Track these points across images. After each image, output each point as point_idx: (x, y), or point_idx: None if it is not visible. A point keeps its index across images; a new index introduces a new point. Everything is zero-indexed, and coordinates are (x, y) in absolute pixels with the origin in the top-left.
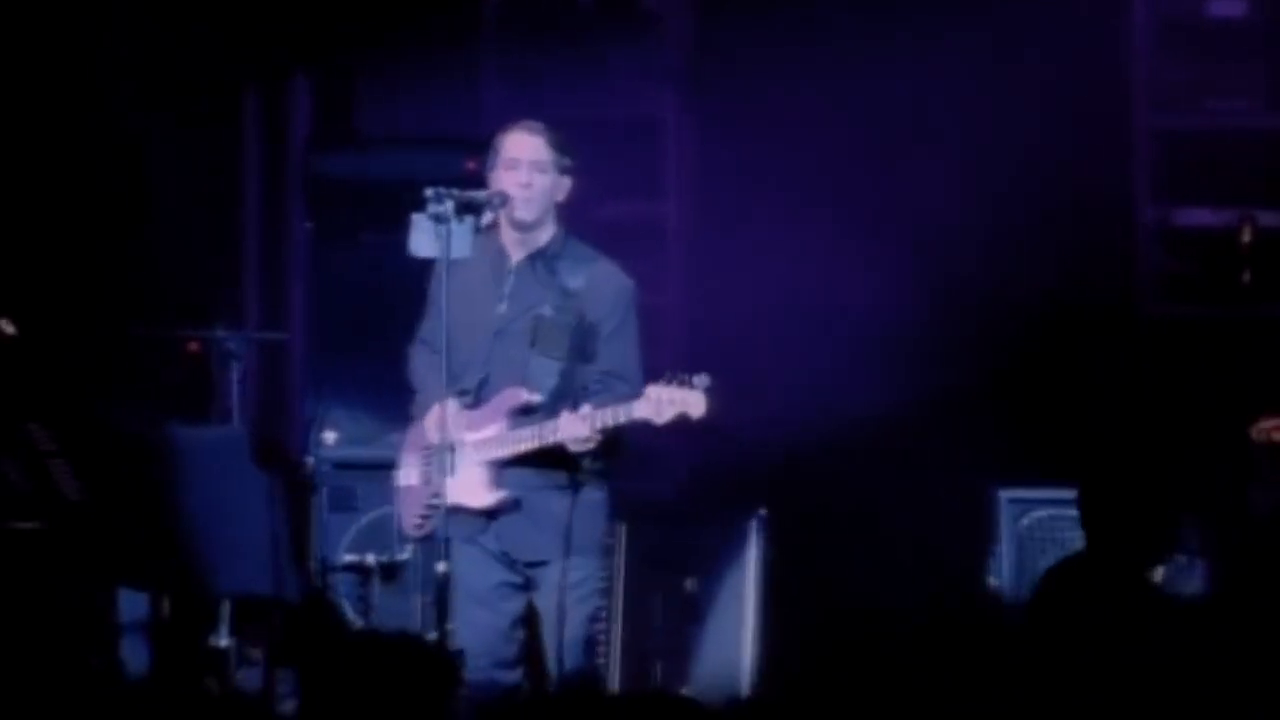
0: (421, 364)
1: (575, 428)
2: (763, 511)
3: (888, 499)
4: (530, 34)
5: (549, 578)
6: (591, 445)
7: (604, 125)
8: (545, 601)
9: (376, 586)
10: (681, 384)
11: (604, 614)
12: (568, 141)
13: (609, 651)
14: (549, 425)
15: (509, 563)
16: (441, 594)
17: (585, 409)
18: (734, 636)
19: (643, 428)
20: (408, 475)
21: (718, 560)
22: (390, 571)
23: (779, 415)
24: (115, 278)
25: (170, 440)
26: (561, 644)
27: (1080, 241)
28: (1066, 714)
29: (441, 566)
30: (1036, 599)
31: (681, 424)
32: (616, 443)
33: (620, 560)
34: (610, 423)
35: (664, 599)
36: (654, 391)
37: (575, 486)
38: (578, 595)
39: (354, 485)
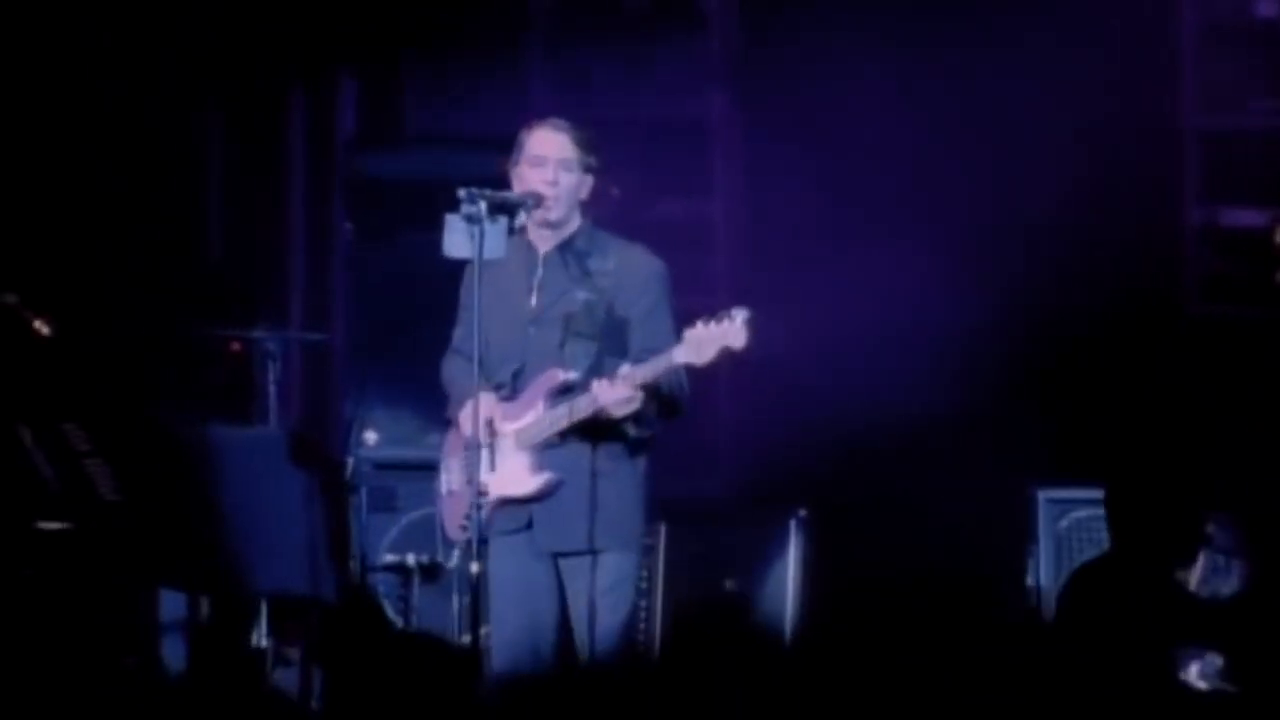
0: (454, 368)
1: (615, 390)
2: (803, 512)
3: (928, 499)
4: (578, 34)
5: (580, 578)
6: (635, 406)
7: (652, 125)
8: (576, 604)
9: (417, 587)
10: (720, 320)
11: (643, 614)
12: (594, 140)
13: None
14: (586, 396)
15: (547, 559)
16: (475, 595)
17: (624, 368)
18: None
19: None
20: (449, 480)
21: (758, 560)
22: (431, 572)
23: (820, 415)
24: (157, 277)
25: (207, 440)
26: (594, 648)
27: (1126, 242)
28: (1095, 713)
29: (475, 567)
30: (1064, 598)
31: (725, 359)
32: (663, 402)
33: (660, 560)
34: (650, 376)
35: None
36: (692, 334)
37: (611, 471)
38: (610, 601)
39: (395, 485)
